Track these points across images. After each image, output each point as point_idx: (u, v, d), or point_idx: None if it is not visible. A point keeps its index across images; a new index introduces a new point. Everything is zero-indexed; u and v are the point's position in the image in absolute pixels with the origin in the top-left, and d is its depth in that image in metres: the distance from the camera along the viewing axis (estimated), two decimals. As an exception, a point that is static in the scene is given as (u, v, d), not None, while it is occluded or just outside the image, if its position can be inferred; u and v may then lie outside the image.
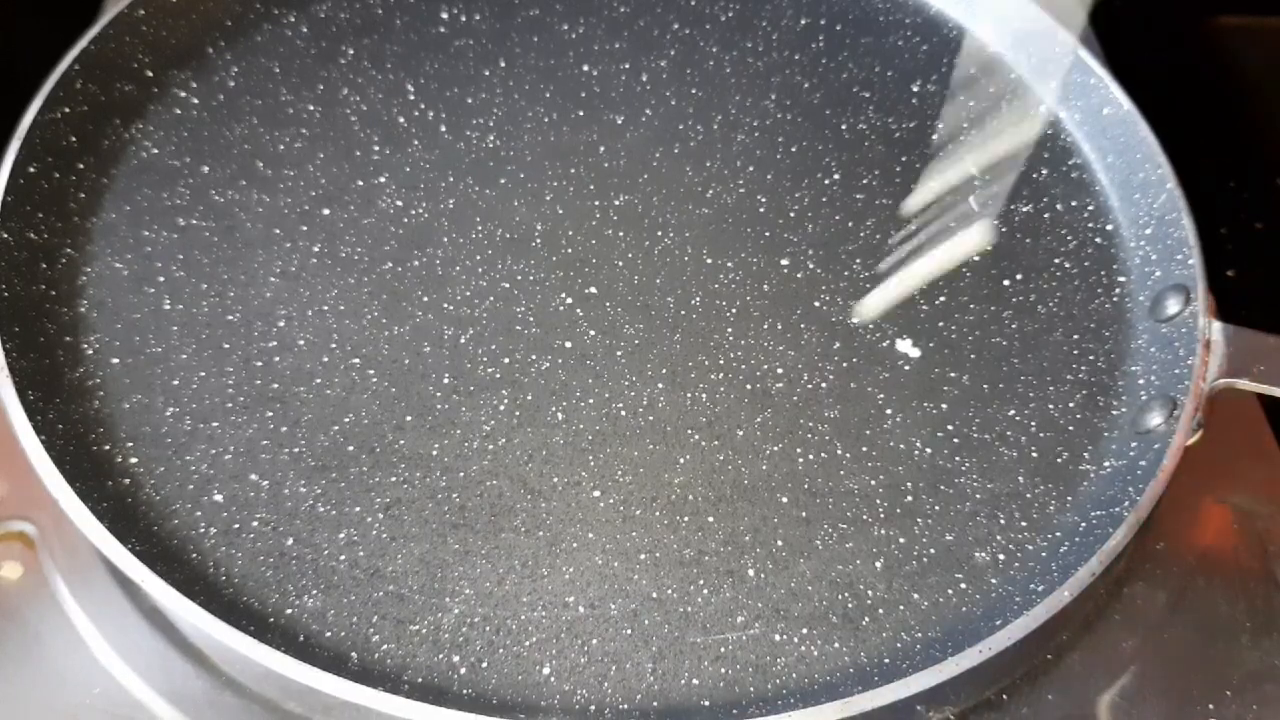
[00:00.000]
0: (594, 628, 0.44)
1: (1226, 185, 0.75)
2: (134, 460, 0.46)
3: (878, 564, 0.46)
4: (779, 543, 0.47)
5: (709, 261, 0.56)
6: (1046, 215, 0.59)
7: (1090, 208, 0.59)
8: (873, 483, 0.49)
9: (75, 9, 0.63)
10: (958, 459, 0.50)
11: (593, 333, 0.53)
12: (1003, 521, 0.48)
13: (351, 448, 0.48)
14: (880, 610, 0.45)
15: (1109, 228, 0.58)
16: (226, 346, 0.50)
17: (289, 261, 0.53)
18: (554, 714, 0.42)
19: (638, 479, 0.48)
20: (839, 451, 0.49)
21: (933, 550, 0.47)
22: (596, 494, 0.48)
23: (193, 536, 0.45)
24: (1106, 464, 0.50)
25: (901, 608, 0.45)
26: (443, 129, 0.59)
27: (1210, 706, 0.46)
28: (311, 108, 0.59)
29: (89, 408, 0.48)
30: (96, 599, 0.45)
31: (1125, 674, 0.47)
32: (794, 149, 0.60)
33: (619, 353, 0.52)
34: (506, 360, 0.51)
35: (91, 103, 0.56)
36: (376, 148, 0.58)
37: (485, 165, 0.58)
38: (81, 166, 0.55)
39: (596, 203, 0.57)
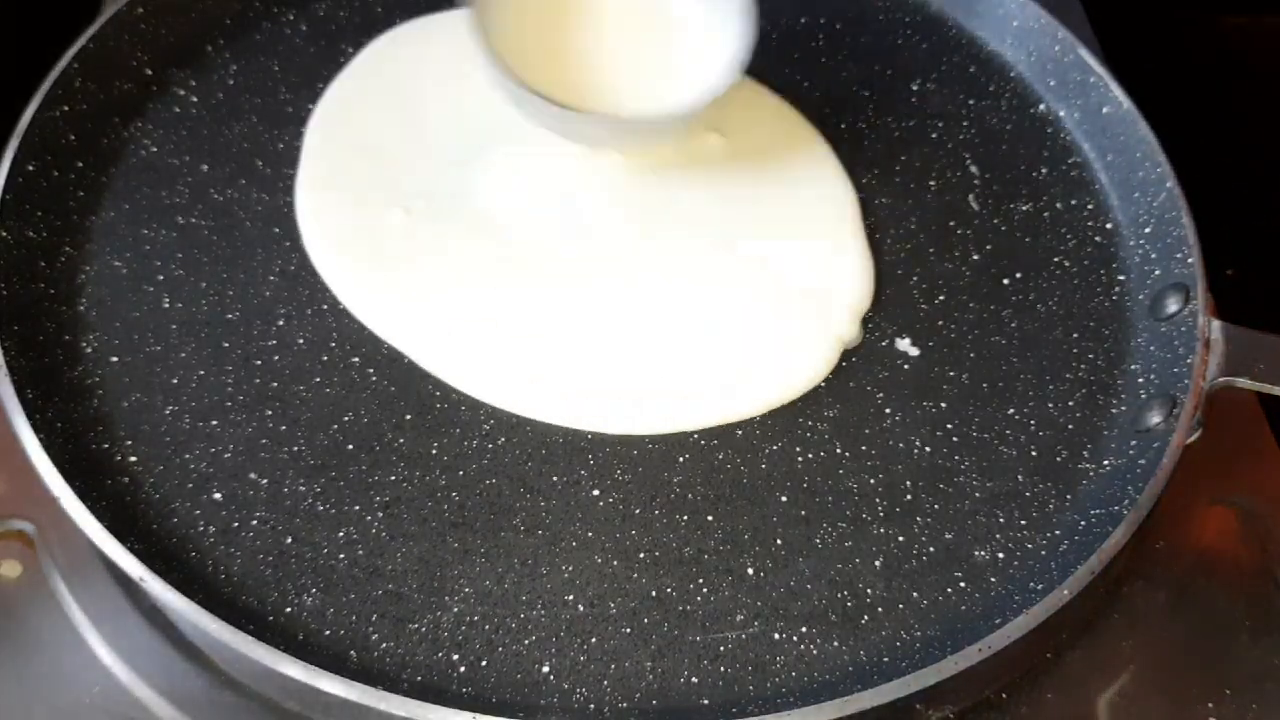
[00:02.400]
0: (593, 626, 0.44)
1: (1226, 184, 0.75)
2: (133, 459, 0.46)
3: (877, 563, 0.46)
4: (778, 541, 0.47)
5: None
6: (1046, 214, 0.59)
7: (1090, 206, 0.59)
8: (872, 481, 0.49)
9: (74, 7, 0.63)
10: (957, 458, 0.50)
11: (592, 331, 0.53)
12: (1002, 520, 0.48)
13: (351, 446, 0.48)
14: (879, 609, 0.45)
15: (1108, 226, 0.58)
16: (226, 345, 0.50)
17: (288, 260, 0.53)
18: (553, 712, 0.42)
19: (637, 478, 0.48)
20: (838, 450, 0.49)
21: (932, 549, 0.47)
22: (596, 493, 0.47)
23: (192, 535, 0.45)
24: (1106, 463, 0.50)
25: (901, 606, 0.45)
26: (442, 128, 0.59)
27: (1210, 705, 0.46)
28: (311, 106, 0.59)
29: (88, 406, 0.48)
30: (96, 597, 0.45)
31: (1125, 673, 0.47)
32: (794, 148, 0.60)
33: (618, 351, 0.52)
34: (506, 359, 0.51)
35: (90, 101, 0.56)
36: (376, 146, 0.58)
37: (485, 164, 0.58)
38: (80, 165, 0.55)
39: (596, 201, 0.57)
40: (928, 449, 0.50)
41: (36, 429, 0.44)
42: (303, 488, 0.46)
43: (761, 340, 0.51)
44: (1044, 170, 0.61)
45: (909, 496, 0.48)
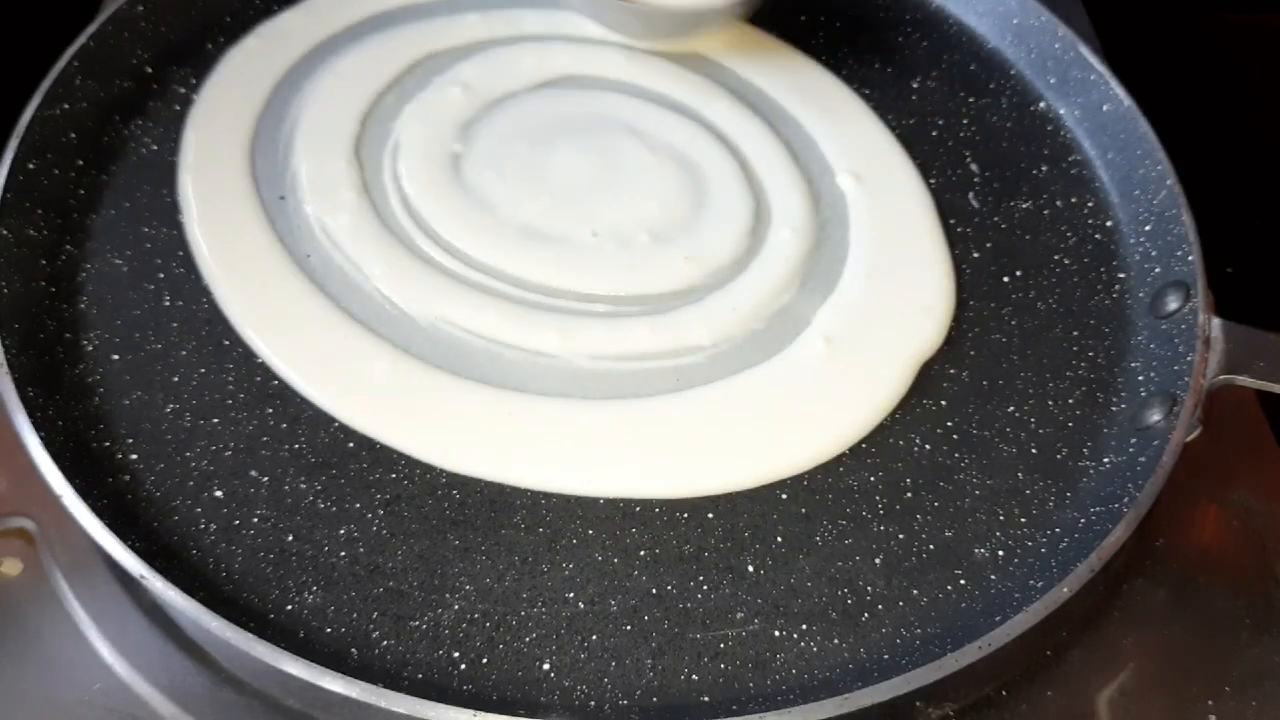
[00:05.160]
0: (594, 624, 0.44)
1: (1226, 182, 0.75)
2: (134, 457, 0.46)
3: (877, 560, 0.46)
4: (778, 539, 0.47)
5: (709, 258, 0.56)
6: (1046, 212, 0.59)
7: (1090, 204, 0.59)
8: (872, 479, 0.49)
9: (74, 6, 0.63)
10: (957, 455, 0.50)
11: (592, 329, 0.53)
12: (1002, 518, 0.48)
13: (351, 444, 0.48)
14: (880, 606, 0.45)
15: (1109, 224, 0.58)
16: (226, 343, 0.50)
17: (289, 258, 0.53)
18: (554, 710, 0.42)
19: (637, 475, 0.48)
20: (838, 448, 0.50)
21: (932, 546, 0.47)
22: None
23: (193, 533, 0.45)
24: (1106, 460, 0.50)
25: (901, 604, 0.45)
26: (442, 126, 0.59)
27: (1209, 703, 0.46)
28: (311, 104, 0.59)
29: (89, 404, 0.48)
30: (96, 595, 0.45)
31: (1125, 670, 0.47)
32: (794, 146, 0.60)
33: (619, 349, 0.52)
34: (506, 357, 0.51)
35: (91, 99, 0.56)
36: (376, 144, 0.58)
37: (485, 162, 0.58)
38: (81, 163, 0.55)
39: (596, 199, 0.57)
40: (927, 446, 0.50)
41: (37, 427, 0.44)
42: (303, 485, 0.46)
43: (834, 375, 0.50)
44: (1044, 168, 0.61)
45: (909, 494, 0.48)
